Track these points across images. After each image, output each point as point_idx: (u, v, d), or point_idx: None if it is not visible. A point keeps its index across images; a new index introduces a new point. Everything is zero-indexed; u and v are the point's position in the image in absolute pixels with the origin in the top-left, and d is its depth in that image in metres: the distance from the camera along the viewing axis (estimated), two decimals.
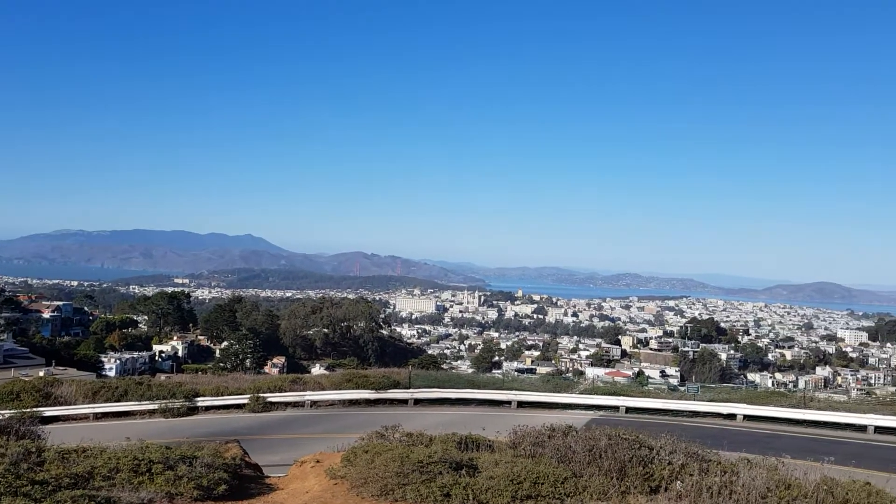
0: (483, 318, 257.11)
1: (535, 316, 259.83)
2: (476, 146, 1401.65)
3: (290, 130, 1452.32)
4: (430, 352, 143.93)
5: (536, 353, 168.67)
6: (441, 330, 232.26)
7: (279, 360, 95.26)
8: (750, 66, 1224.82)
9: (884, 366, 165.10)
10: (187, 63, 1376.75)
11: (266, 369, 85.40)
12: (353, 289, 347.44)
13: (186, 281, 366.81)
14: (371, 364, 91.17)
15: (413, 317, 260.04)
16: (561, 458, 12.37)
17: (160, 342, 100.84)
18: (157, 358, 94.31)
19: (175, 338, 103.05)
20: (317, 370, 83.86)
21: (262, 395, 35.10)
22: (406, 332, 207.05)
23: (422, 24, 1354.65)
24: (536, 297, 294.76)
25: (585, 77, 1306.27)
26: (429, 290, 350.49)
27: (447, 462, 11.45)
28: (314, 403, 35.59)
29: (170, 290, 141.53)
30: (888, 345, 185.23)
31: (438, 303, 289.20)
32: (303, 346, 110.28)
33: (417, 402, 35.47)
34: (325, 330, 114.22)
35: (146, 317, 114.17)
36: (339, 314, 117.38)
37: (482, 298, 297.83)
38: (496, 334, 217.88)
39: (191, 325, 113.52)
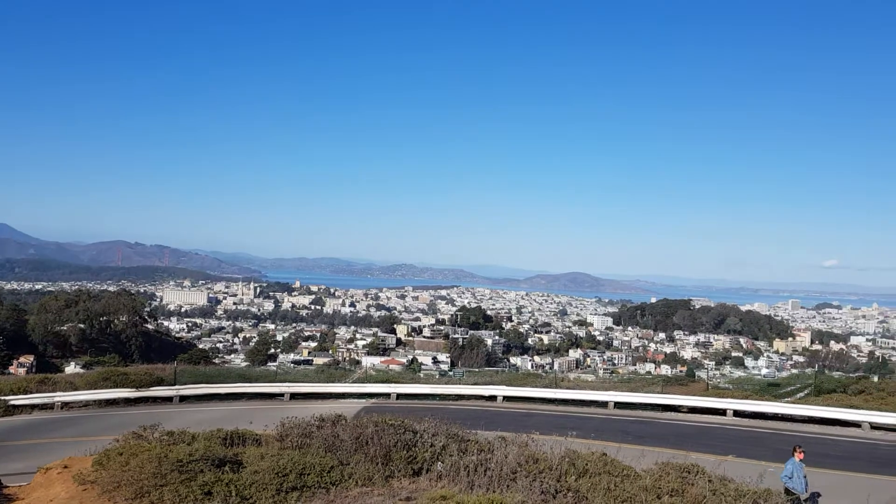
0: (259, 310, 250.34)
1: (312, 307, 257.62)
2: (244, 135, 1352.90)
3: (33, 100, 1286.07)
4: (200, 346, 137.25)
5: (314, 345, 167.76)
6: (213, 323, 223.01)
7: (27, 360, 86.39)
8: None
9: (626, 347, 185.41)
10: None
11: (11, 370, 76.90)
12: (115, 280, 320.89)
13: None
14: (134, 361, 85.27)
15: (183, 310, 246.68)
16: (329, 448, 12.55)
17: None
18: None
19: None
20: (72, 369, 76.83)
21: (2, 397, 32.02)
22: (175, 325, 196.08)
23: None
24: (314, 288, 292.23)
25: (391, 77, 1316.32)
26: (200, 282, 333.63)
27: (209, 459, 11.15)
28: (66, 405, 32.99)
29: None
30: (629, 328, 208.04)
31: (211, 294, 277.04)
32: (56, 344, 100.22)
33: (183, 398, 34.06)
34: (82, 325, 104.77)
35: None
36: (98, 308, 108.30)
37: (258, 290, 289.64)
38: (273, 326, 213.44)
39: None
